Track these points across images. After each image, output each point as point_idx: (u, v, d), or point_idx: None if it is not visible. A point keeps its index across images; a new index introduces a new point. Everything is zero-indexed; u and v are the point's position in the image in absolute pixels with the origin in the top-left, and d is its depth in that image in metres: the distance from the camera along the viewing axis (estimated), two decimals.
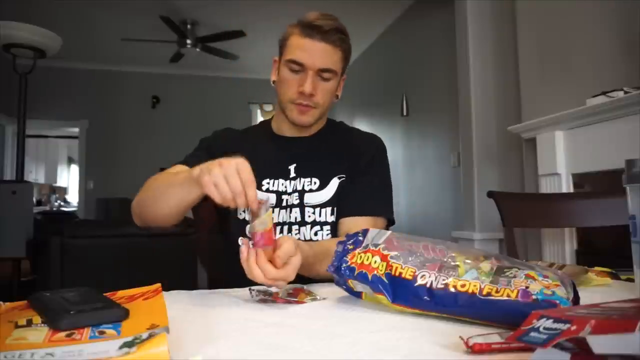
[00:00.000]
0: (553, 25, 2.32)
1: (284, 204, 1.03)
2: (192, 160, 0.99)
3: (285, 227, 1.02)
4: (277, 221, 1.01)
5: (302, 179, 1.04)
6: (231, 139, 1.12)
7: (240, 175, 0.68)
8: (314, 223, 1.02)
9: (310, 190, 1.03)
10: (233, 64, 5.90)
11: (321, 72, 0.99)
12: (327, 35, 0.98)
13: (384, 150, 1.13)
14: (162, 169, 1.00)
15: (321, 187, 1.03)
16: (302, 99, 1.00)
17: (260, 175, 0.98)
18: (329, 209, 1.02)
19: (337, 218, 1.03)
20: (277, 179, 1.05)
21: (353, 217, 1.01)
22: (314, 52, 0.98)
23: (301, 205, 1.02)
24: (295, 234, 1.01)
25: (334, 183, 1.04)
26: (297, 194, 1.03)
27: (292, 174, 1.05)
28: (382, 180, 1.09)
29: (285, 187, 1.04)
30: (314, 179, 1.04)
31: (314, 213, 1.02)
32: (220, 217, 1.10)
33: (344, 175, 1.05)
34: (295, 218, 1.02)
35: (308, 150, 1.08)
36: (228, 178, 0.68)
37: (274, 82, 1.07)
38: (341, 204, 1.03)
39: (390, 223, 1.07)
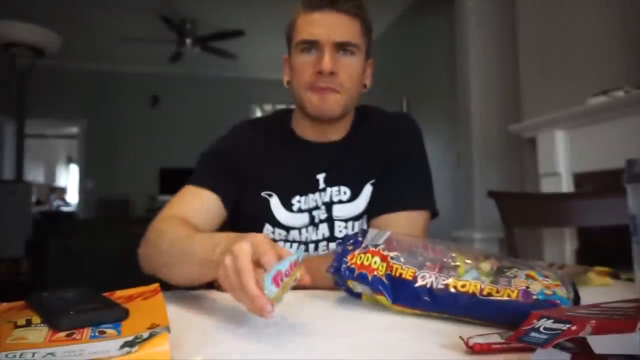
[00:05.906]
0: (553, 25, 2.32)
1: (315, 220, 0.89)
2: (206, 180, 0.87)
3: (312, 245, 0.89)
4: (303, 240, 0.89)
5: (330, 189, 0.89)
6: (245, 145, 0.94)
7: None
8: None
9: (340, 202, 0.89)
10: (233, 63, 5.90)
11: (340, 47, 0.84)
12: (338, 3, 0.83)
13: (417, 133, 0.95)
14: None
15: (352, 197, 0.89)
16: (322, 81, 0.83)
17: (289, 192, 0.90)
18: (364, 222, 0.89)
19: (368, 221, 0.88)
20: (307, 194, 0.89)
21: (387, 215, 0.84)
22: (326, 23, 0.83)
23: (329, 220, 0.89)
24: (323, 250, 0.88)
25: (367, 191, 0.89)
26: (324, 207, 0.89)
27: (321, 185, 0.90)
28: (419, 167, 0.92)
29: (316, 201, 0.89)
30: (343, 188, 0.89)
31: (345, 227, 0.88)
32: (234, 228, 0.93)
33: (375, 179, 0.90)
34: (323, 235, 0.89)
35: (340, 155, 0.91)
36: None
37: (287, 82, 0.91)
38: (373, 204, 0.88)
39: (433, 216, 0.91)
